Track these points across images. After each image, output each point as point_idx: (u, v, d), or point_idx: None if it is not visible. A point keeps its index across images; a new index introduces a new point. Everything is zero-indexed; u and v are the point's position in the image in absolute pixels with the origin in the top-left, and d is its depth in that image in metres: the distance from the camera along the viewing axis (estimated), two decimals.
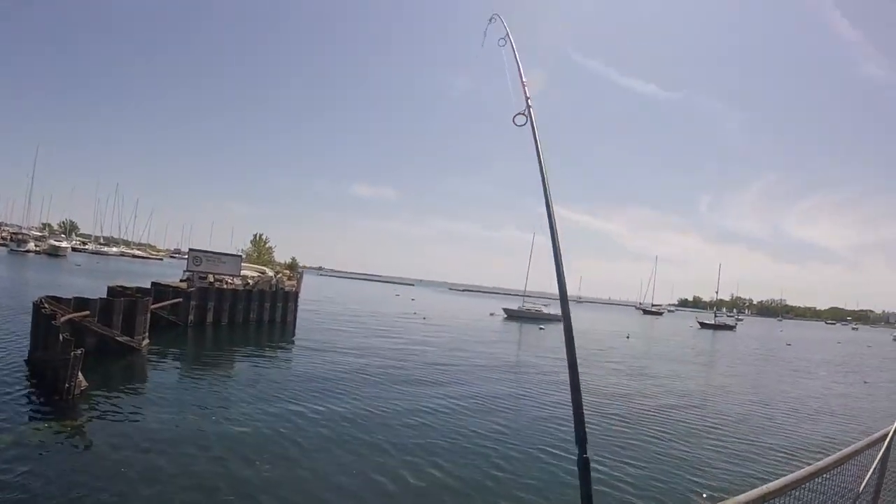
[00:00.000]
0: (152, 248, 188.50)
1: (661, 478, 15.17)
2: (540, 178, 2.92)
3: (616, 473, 15.04)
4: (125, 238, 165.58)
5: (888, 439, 4.86)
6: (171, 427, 14.67)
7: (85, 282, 46.88)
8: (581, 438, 2.28)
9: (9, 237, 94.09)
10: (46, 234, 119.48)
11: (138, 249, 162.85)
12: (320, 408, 18.44)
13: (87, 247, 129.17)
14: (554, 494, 13.39)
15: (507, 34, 3.61)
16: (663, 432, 20.02)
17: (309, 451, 14.13)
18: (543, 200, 2.85)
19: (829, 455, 4.53)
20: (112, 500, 10.14)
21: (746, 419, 23.47)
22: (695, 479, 15.48)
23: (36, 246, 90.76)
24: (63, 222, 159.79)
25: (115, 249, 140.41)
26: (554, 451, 16.62)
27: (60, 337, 16.42)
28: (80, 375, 16.21)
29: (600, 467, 15.19)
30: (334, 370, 25.35)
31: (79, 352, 15.84)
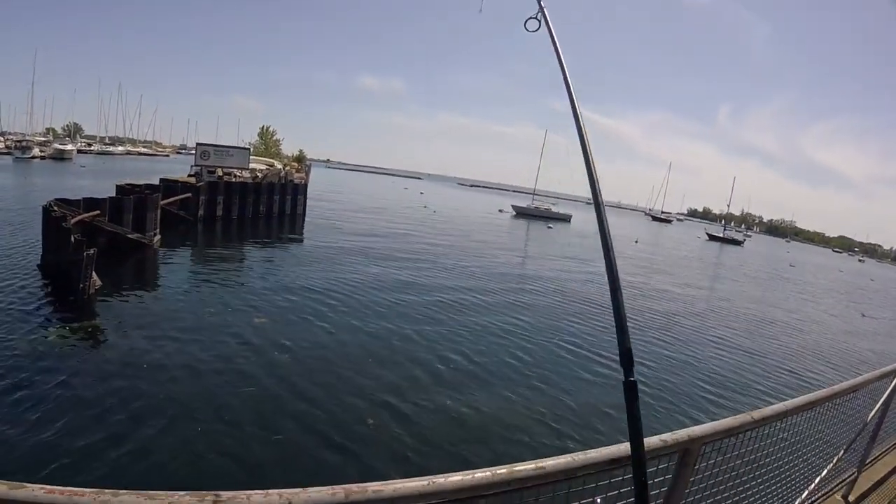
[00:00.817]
0: (158, 144, 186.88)
1: (671, 385, 15.45)
2: (564, 86, 2.71)
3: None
4: (130, 136, 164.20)
5: None
6: (187, 321, 14.87)
7: (92, 183, 46.63)
8: (627, 362, 2.03)
9: (13, 145, 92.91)
10: (51, 138, 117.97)
11: (144, 147, 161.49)
12: (336, 296, 18.84)
13: (92, 148, 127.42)
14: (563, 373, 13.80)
15: None
16: (670, 341, 20.31)
17: (326, 338, 14.48)
18: (565, 99, 2.62)
19: (835, 384, 4.52)
20: (134, 396, 10.32)
21: (748, 338, 23.47)
22: (706, 388, 15.75)
23: (41, 151, 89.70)
24: (67, 125, 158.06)
25: (120, 149, 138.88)
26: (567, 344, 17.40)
27: (72, 238, 16.36)
28: (94, 275, 16.27)
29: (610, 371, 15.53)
30: (347, 262, 25.76)
31: (91, 251, 15.81)
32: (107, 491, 1.49)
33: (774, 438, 3.76)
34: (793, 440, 4.06)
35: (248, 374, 11.96)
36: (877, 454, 5.93)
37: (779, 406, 3.50)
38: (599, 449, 2.30)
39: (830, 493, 5.04)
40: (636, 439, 2.04)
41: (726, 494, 3.36)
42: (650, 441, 2.46)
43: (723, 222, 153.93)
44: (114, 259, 19.70)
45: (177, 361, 12.15)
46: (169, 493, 1.52)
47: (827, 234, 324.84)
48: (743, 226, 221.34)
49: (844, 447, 4.19)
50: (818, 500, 4.80)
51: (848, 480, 5.19)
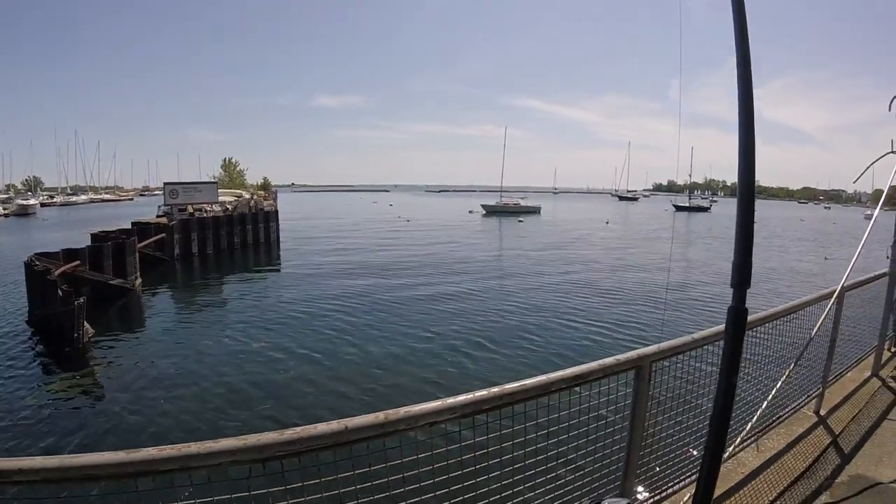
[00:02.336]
0: (120, 189, 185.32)
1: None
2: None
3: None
4: (92, 184, 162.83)
5: (836, 293, 5.50)
6: (178, 360, 15.18)
7: (61, 234, 46.38)
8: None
9: None
10: (12, 194, 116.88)
11: (107, 193, 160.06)
12: (319, 324, 19.02)
13: (55, 200, 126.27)
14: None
15: None
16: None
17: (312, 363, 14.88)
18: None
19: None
20: (139, 434, 10.67)
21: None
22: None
23: (4, 209, 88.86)
24: (27, 179, 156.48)
25: (83, 198, 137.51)
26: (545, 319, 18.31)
27: (59, 290, 16.66)
28: (86, 324, 16.49)
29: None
30: (327, 286, 25.88)
31: (81, 300, 16.08)
32: (208, 441, 1.98)
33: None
34: (753, 353, 4.71)
35: (256, 398, 12.48)
36: (841, 370, 6.56)
37: (717, 328, 3.89)
38: (566, 369, 2.91)
39: (798, 407, 5.61)
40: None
41: (686, 408, 3.93)
42: (606, 361, 3.05)
43: (688, 192, 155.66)
44: (99, 306, 19.91)
45: (185, 394, 12.62)
46: (258, 434, 2.06)
47: (791, 188, 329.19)
48: (708, 192, 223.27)
49: (794, 361, 4.74)
50: (786, 415, 5.37)
51: (815, 395, 5.82)
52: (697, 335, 3.77)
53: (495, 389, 2.57)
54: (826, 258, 40.15)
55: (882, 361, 7.20)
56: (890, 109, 6.52)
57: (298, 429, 2.08)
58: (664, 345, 3.47)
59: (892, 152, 6.51)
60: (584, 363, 3.00)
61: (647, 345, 3.40)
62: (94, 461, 1.90)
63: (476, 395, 2.51)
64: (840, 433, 5.44)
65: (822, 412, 5.81)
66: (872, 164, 6.69)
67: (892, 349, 7.85)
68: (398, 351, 15.79)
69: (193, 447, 1.96)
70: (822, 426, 5.57)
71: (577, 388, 2.95)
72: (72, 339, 15.75)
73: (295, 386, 13.03)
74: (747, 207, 2.22)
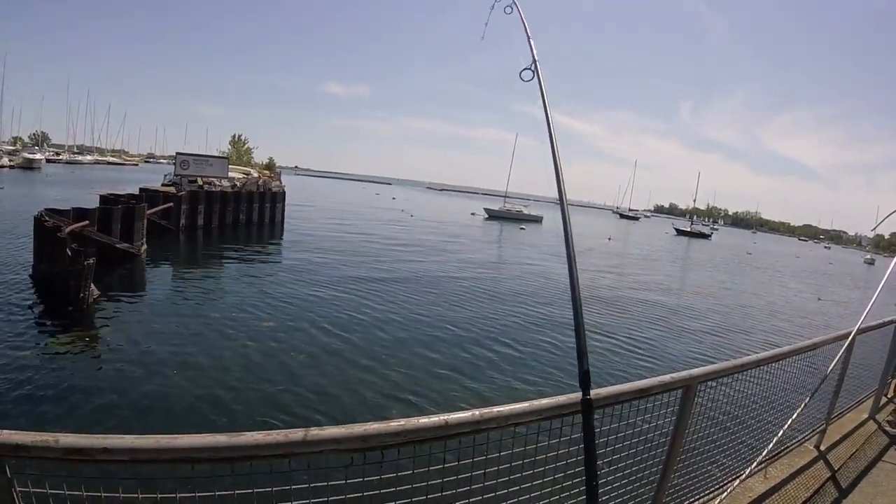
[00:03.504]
0: (126, 153, 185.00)
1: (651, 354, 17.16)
2: (547, 130, 3.24)
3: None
4: (98, 145, 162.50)
5: (852, 335, 5.72)
6: (182, 327, 15.36)
7: (64, 192, 46.37)
8: (585, 382, 2.55)
9: None
10: (19, 147, 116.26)
11: (112, 156, 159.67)
12: (319, 300, 19.49)
13: (60, 157, 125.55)
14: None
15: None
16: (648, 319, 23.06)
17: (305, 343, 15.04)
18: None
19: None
20: (142, 398, 10.82)
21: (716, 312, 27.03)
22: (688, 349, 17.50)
23: (9, 161, 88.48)
24: (34, 134, 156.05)
25: (88, 158, 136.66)
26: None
27: (68, 249, 16.75)
28: (92, 285, 16.65)
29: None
30: (329, 270, 26.11)
31: (91, 261, 16.20)
32: (314, 428, 2.09)
33: (753, 383, 4.69)
34: (767, 388, 4.99)
35: (257, 366, 12.82)
36: (843, 409, 6.86)
37: (754, 356, 4.44)
38: (631, 382, 3.18)
39: (802, 441, 5.91)
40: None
41: (717, 429, 4.25)
42: (662, 378, 3.30)
43: (690, 217, 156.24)
44: (104, 268, 19.88)
45: (187, 358, 12.87)
46: (363, 424, 2.21)
47: (792, 224, 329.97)
48: (710, 219, 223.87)
49: (810, 394, 5.01)
50: (793, 447, 5.69)
51: (818, 430, 6.08)
52: (738, 361, 4.09)
53: (573, 395, 2.73)
54: (819, 299, 40.39)
55: (880, 405, 7.44)
56: None
57: (403, 420, 2.23)
58: (710, 367, 3.78)
59: None
60: (640, 379, 3.25)
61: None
62: (193, 443, 1.94)
63: (558, 399, 2.71)
64: (839, 469, 5.71)
65: (823, 448, 6.05)
66: (894, 212, 6.86)
67: (889, 395, 8.07)
68: (408, 337, 16.28)
69: (299, 433, 2.04)
70: (822, 461, 5.83)
71: (637, 402, 3.21)
72: (77, 298, 15.83)
73: (301, 355, 13.38)
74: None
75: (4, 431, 1.80)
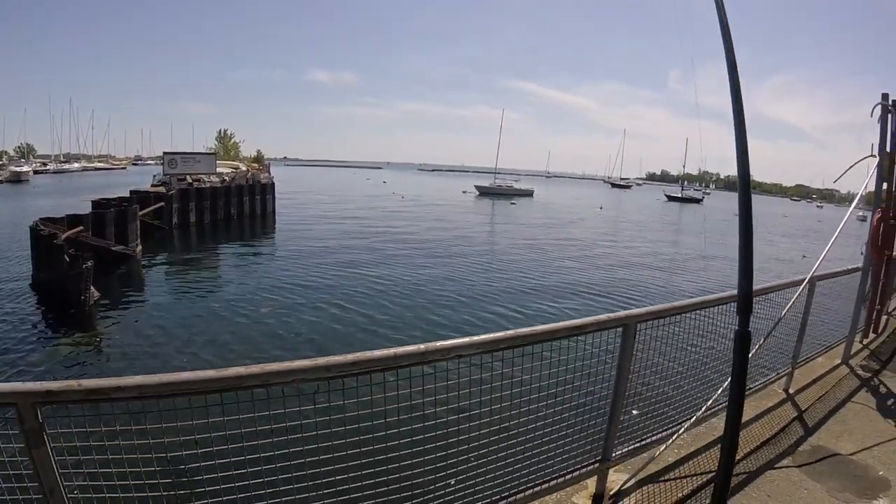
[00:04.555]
0: (113, 158, 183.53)
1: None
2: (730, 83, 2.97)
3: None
4: (85, 152, 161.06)
5: (807, 279, 5.97)
6: (185, 323, 15.61)
7: (56, 201, 46.19)
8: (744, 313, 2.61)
9: None
10: (5, 161, 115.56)
11: (99, 161, 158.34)
12: (314, 284, 19.96)
13: (48, 167, 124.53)
14: None
15: None
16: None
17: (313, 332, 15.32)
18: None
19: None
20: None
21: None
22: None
23: None
24: (20, 146, 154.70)
25: (76, 165, 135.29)
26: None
27: (66, 255, 17.00)
28: (92, 287, 16.92)
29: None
30: (323, 255, 26.44)
31: (89, 264, 16.51)
32: (285, 361, 2.42)
33: (706, 326, 4.72)
34: (723, 331, 4.93)
35: (259, 348, 13.33)
36: (811, 354, 7.12)
37: (698, 298, 4.62)
38: (568, 321, 3.46)
39: (768, 383, 6.16)
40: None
41: (667, 367, 4.47)
42: (599, 317, 3.59)
43: (681, 183, 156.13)
44: (101, 272, 20.07)
45: (191, 348, 13.35)
46: (325, 357, 2.50)
47: (784, 185, 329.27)
48: (702, 184, 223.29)
49: (763, 336, 5.19)
50: (756, 388, 5.91)
51: (784, 374, 6.32)
52: (677, 303, 4.32)
53: (510, 332, 3.06)
54: (804, 256, 40.52)
55: (852, 352, 7.64)
56: (872, 115, 7.01)
57: (358, 353, 2.55)
58: (649, 308, 3.98)
59: (872, 156, 7.00)
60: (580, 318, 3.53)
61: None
62: (189, 378, 2.24)
63: (496, 335, 2.99)
64: (806, 409, 5.90)
65: (791, 390, 6.27)
66: (853, 165, 7.14)
67: (863, 341, 8.30)
68: (403, 313, 16.86)
69: (274, 366, 2.38)
70: (789, 402, 6.04)
71: (575, 338, 3.49)
72: (78, 301, 16.16)
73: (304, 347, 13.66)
74: (747, 238, 2.64)
75: (34, 382, 2.10)
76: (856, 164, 7.16)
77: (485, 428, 3.25)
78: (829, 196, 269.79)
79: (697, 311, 4.53)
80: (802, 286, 5.80)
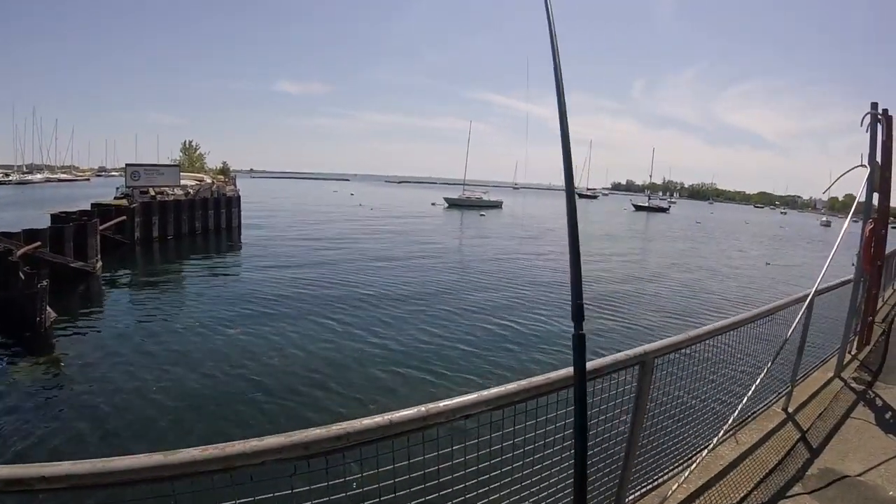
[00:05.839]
0: (77, 169, 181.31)
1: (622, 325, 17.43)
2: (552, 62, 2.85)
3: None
4: (48, 163, 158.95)
5: (810, 298, 5.83)
6: (145, 346, 14.94)
7: (16, 214, 45.30)
8: (577, 315, 2.40)
9: None
10: None
11: (63, 172, 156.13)
12: (281, 303, 19.28)
13: (10, 178, 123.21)
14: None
15: None
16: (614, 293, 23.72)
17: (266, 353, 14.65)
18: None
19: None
20: (107, 421, 10.57)
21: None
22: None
23: None
24: None
25: (39, 176, 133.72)
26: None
27: (21, 273, 16.35)
28: (49, 308, 16.23)
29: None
30: (291, 272, 25.84)
31: (45, 283, 15.85)
32: (253, 439, 1.99)
33: (713, 352, 4.62)
34: (728, 355, 4.98)
35: (226, 375, 12.67)
36: (808, 370, 6.99)
37: (710, 326, 4.40)
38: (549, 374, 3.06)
39: (769, 404, 5.99)
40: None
41: (681, 402, 4.20)
42: (616, 357, 3.25)
43: (647, 192, 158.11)
44: (60, 289, 19.38)
45: (150, 376, 12.55)
46: (304, 431, 2.08)
47: (748, 192, 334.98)
48: (667, 193, 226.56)
49: (771, 360, 5.04)
50: (759, 411, 5.75)
51: (784, 394, 6.14)
52: (693, 332, 4.05)
53: (524, 382, 2.70)
54: (767, 263, 40.93)
55: (844, 363, 7.53)
56: (861, 125, 6.82)
57: (344, 424, 2.14)
58: (665, 341, 3.71)
59: (863, 166, 6.81)
60: (595, 359, 3.14)
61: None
62: (131, 465, 1.84)
63: (507, 387, 2.64)
64: (808, 429, 5.72)
65: (791, 409, 6.09)
66: (843, 174, 7.01)
67: (853, 352, 8.17)
68: (372, 334, 16.14)
69: (238, 446, 1.96)
70: (791, 422, 5.85)
71: (591, 383, 3.12)
72: (34, 323, 15.47)
73: (272, 372, 13.04)
74: (576, 254, 2.55)
75: None
76: (846, 173, 7.02)
77: (494, 493, 2.86)
78: (791, 203, 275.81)
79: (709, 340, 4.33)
80: (805, 304, 5.64)
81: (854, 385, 7.14)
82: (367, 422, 2.18)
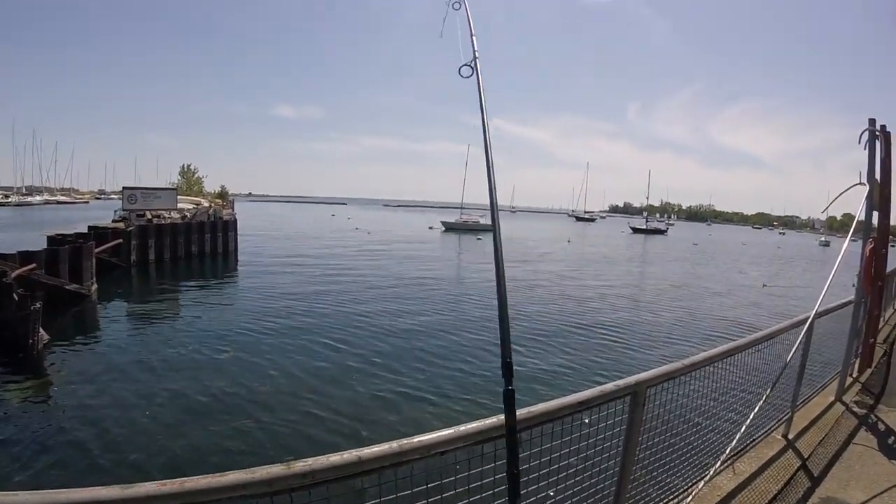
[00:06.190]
0: (76, 191, 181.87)
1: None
2: (482, 128, 3.07)
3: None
4: (47, 185, 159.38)
5: (810, 321, 5.71)
6: (136, 371, 14.73)
7: (15, 235, 45.01)
8: (507, 371, 2.39)
9: None
10: None
11: (62, 195, 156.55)
12: (278, 333, 18.90)
13: (9, 200, 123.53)
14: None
15: None
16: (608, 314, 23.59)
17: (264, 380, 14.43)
18: (479, 116, 3.04)
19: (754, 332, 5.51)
20: (94, 448, 10.35)
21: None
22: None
23: None
24: None
25: (38, 198, 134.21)
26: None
27: (14, 294, 16.24)
28: (42, 330, 16.11)
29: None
30: (285, 298, 25.43)
31: (37, 306, 15.74)
32: (213, 475, 1.89)
33: (711, 379, 4.49)
34: (725, 381, 4.84)
35: (218, 403, 12.42)
36: (808, 395, 6.83)
37: (706, 353, 4.27)
38: (567, 396, 2.94)
39: (769, 431, 5.80)
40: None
41: (676, 432, 4.05)
42: (606, 387, 3.12)
43: (645, 214, 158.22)
44: (54, 312, 19.32)
45: (142, 401, 12.38)
46: (266, 466, 1.98)
47: (746, 213, 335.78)
48: (664, 215, 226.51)
49: (771, 386, 4.91)
50: (759, 439, 5.56)
51: (784, 420, 5.95)
52: (688, 360, 3.91)
53: (503, 416, 2.51)
54: (764, 285, 40.58)
55: (846, 386, 7.36)
56: (860, 142, 6.69)
57: (310, 460, 2.03)
58: (658, 370, 3.58)
59: (861, 184, 6.68)
60: (583, 390, 3.01)
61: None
62: (86, 497, 1.73)
63: (486, 422, 2.51)
64: (809, 457, 5.54)
65: (791, 436, 5.91)
66: (842, 193, 6.88)
67: (854, 374, 8.03)
68: (365, 359, 15.97)
69: (198, 481, 1.86)
70: (791, 450, 5.67)
71: (578, 415, 2.99)
72: (26, 345, 15.33)
73: (263, 398, 12.83)
74: (503, 309, 2.51)
75: None
76: (845, 191, 6.88)
77: None
78: (789, 223, 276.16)
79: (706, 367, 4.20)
80: (805, 328, 5.50)
81: (856, 409, 6.98)
82: (335, 458, 2.06)
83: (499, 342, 2.36)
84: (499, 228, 2.93)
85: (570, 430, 3.01)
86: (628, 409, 3.34)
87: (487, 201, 2.80)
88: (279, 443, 10.69)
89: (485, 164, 3.04)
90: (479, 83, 3.14)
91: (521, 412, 2.59)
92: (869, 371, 8.41)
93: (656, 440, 3.89)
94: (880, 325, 9.92)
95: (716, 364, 4.44)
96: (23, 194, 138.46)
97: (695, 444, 4.49)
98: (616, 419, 3.28)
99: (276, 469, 1.97)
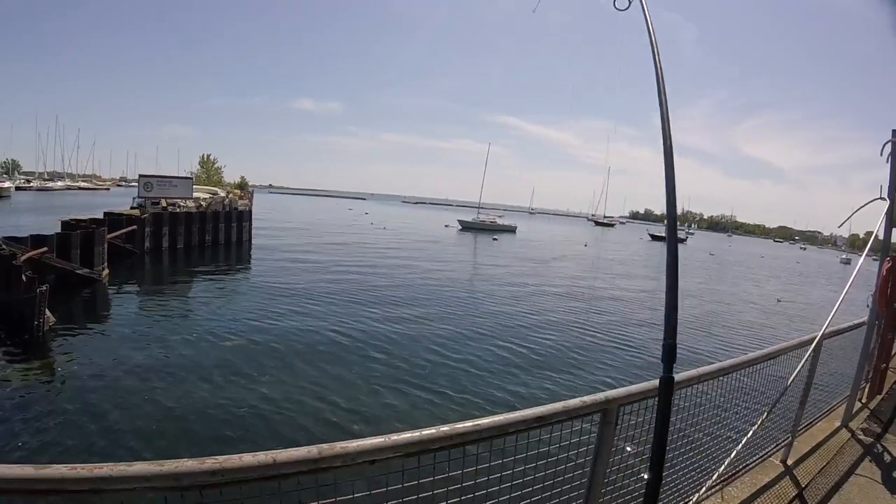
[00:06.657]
0: (98, 178, 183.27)
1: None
2: (655, 75, 2.88)
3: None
4: (69, 171, 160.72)
5: (816, 341, 5.42)
6: (140, 355, 14.73)
7: (33, 219, 45.53)
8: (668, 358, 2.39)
9: None
10: None
11: (84, 181, 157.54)
12: (286, 325, 18.79)
13: (31, 184, 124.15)
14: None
15: None
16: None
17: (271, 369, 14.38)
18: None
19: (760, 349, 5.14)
20: (91, 431, 10.34)
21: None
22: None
23: None
24: (4, 162, 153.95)
25: (60, 184, 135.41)
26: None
27: (23, 276, 16.29)
28: (48, 312, 16.13)
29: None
30: (296, 289, 25.49)
31: (44, 288, 15.75)
32: (122, 463, 1.78)
33: (692, 402, 4.14)
34: (714, 403, 4.50)
35: (221, 388, 12.46)
36: (812, 419, 6.54)
37: (691, 372, 3.90)
38: (525, 410, 2.70)
39: (766, 456, 5.51)
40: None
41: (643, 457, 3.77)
42: (572, 402, 2.85)
43: (664, 222, 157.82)
44: (64, 295, 19.47)
45: (145, 384, 12.47)
46: (176, 460, 1.85)
47: (767, 226, 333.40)
48: (685, 224, 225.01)
49: (768, 410, 4.65)
50: (754, 463, 5.28)
51: (783, 444, 5.66)
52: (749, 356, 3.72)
53: (445, 428, 2.34)
54: (778, 300, 40.09)
55: (853, 412, 7.07)
56: (882, 154, 6.39)
57: (221, 458, 1.88)
58: (632, 388, 3.25)
59: (881, 199, 6.37)
60: (546, 404, 2.77)
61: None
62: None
63: (423, 432, 2.29)
64: (806, 486, 5.26)
65: (790, 462, 5.62)
66: (861, 207, 6.57)
67: (863, 400, 7.74)
68: (368, 354, 15.95)
69: (106, 469, 1.76)
70: (788, 477, 5.38)
71: (536, 431, 2.75)
72: (31, 327, 15.39)
73: (267, 392, 12.68)
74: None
75: None
76: (863, 206, 6.59)
77: None
78: (811, 238, 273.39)
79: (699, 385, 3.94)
80: (811, 348, 5.24)
81: (862, 437, 6.63)
82: (248, 458, 1.92)
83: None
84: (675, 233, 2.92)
85: (526, 447, 2.79)
86: (598, 427, 3.07)
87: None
88: (276, 430, 10.74)
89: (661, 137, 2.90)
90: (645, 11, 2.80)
91: (461, 425, 2.39)
92: (879, 398, 8.01)
93: (632, 460, 3.60)
94: (894, 350, 9.62)
95: (709, 382, 4.15)
96: (44, 179, 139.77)
97: (678, 466, 4.18)
98: (582, 437, 3.05)
99: (187, 464, 1.86)
